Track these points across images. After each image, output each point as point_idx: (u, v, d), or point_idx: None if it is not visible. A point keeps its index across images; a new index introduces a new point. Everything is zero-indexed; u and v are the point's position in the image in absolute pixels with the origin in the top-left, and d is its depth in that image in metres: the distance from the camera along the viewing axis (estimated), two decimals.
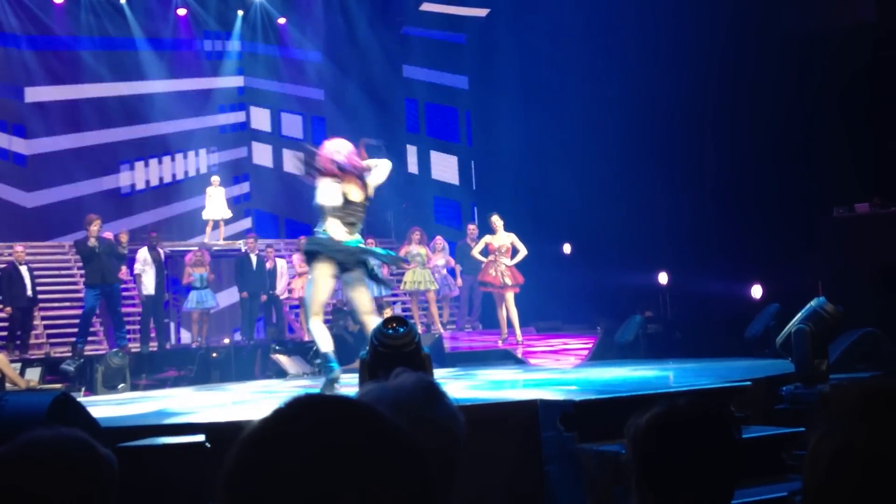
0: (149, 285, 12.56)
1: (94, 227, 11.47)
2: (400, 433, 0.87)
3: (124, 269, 12.55)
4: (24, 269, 12.20)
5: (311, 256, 6.90)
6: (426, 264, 13.32)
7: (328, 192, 6.85)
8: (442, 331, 12.91)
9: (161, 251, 13.00)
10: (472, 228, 13.58)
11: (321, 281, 6.88)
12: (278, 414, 0.88)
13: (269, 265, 13.52)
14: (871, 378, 5.99)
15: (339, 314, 12.64)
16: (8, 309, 12.02)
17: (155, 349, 12.47)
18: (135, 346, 12.32)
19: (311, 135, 19.06)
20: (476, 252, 12.06)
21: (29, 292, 12.17)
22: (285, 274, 13.68)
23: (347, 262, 6.83)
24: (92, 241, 11.33)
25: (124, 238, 12.36)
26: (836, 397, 1.07)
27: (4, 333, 12.20)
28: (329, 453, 0.82)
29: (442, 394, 1.45)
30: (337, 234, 6.81)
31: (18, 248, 12.55)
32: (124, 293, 12.80)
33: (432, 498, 0.87)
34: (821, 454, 1.03)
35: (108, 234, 12.61)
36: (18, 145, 16.47)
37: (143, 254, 12.71)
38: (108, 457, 1.40)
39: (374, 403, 0.94)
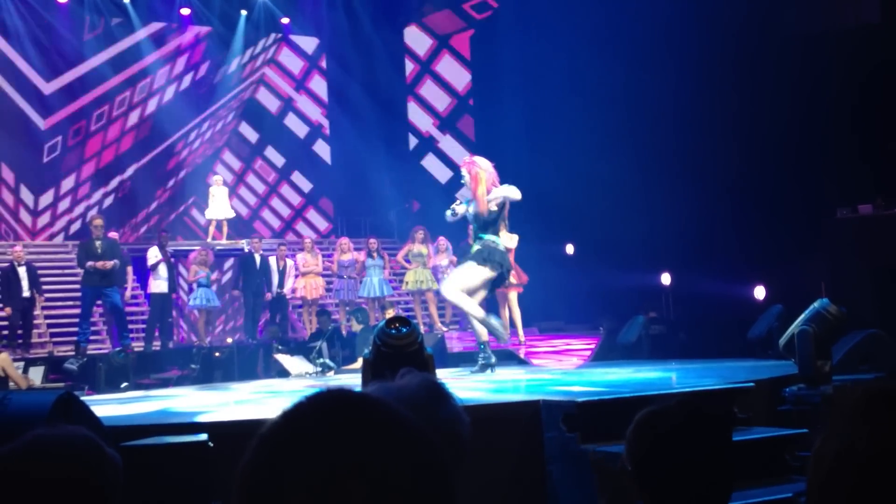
0: (161, 283, 12.57)
1: (99, 228, 11.48)
2: (424, 436, 0.86)
3: (128, 268, 12.55)
4: (22, 270, 12.18)
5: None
6: (427, 264, 13.32)
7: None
8: (444, 329, 12.92)
9: (167, 250, 13.02)
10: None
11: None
12: (299, 411, 0.86)
13: (280, 264, 13.56)
14: (875, 379, 5.99)
15: (324, 315, 12.61)
16: (7, 309, 12.03)
17: (158, 348, 12.49)
18: (138, 346, 12.33)
19: (313, 134, 19.10)
20: None
21: (26, 293, 12.14)
22: (292, 274, 13.69)
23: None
24: (97, 243, 11.34)
25: None
26: (840, 398, 1.07)
27: (6, 332, 12.22)
28: (351, 454, 0.80)
29: (447, 394, 1.45)
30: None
31: (17, 248, 12.55)
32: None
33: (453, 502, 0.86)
34: (824, 455, 1.03)
35: (114, 234, 12.64)
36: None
37: (154, 252, 12.71)
38: (112, 455, 1.40)
39: None
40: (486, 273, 7.92)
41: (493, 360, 8.27)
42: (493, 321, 8.20)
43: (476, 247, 8.06)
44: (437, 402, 1.43)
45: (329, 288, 14.28)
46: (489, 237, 8.02)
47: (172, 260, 13.08)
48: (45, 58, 16.11)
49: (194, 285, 13.18)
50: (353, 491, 0.79)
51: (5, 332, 12.22)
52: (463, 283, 7.97)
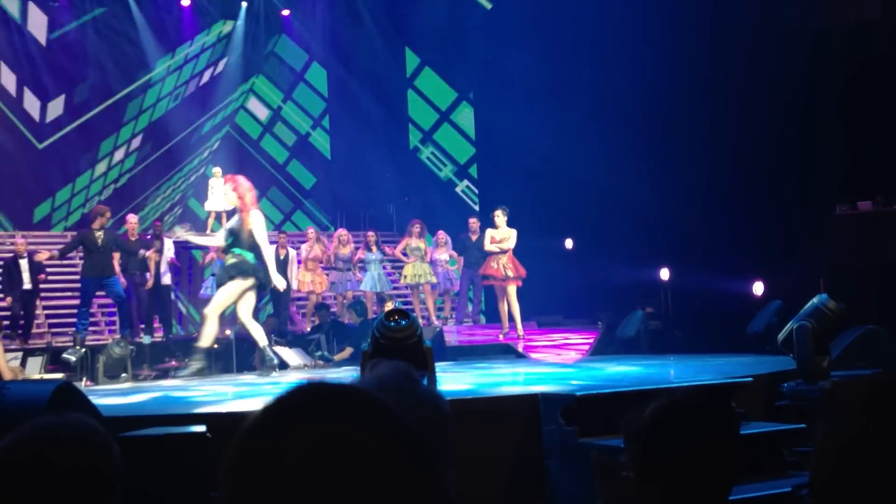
0: (156, 273, 12.56)
1: (102, 219, 11.45)
2: (404, 424, 0.86)
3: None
4: (23, 262, 12.16)
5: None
6: (425, 258, 13.32)
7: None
8: (436, 321, 12.94)
9: (166, 240, 12.96)
10: (473, 222, 13.55)
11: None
12: (279, 404, 0.85)
13: (280, 253, 13.44)
14: (879, 372, 6.00)
15: (323, 308, 12.60)
16: (8, 299, 12.02)
17: (159, 339, 12.48)
18: (139, 338, 12.31)
19: (312, 126, 19.08)
20: (487, 245, 11.68)
21: (27, 285, 12.11)
22: (295, 264, 13.56)
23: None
24: (97, 234, 11.33)
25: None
26: (843, 391, 1.07)
27: (6, 322, 12.20)
28: (332, 445, 0.80)
29: (417, 378, 1.56)
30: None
31: (19, 240, 12.53)
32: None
33: (436, 490, 0.85)
34: (828, 447, 1.03)
35: (133, 217, 12.67)
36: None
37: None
38: (114, 445, 1.40)
39: None
40: (239, 286, 8.46)
41: (276, 360, 9.07)
42: (268, 352, 9.01)
43: (229, 261, 8.61)
44: (414, 383, 1.54)
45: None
46: (239, 252, 8.53)
47: (175, 251, 13.03)
48: (46, 48, 16.08)
49: (205, 274, 13.13)
50: (347, 465, 0.80)
51: (6, 323, 12.21)
52: (220, 302, 8.65)
